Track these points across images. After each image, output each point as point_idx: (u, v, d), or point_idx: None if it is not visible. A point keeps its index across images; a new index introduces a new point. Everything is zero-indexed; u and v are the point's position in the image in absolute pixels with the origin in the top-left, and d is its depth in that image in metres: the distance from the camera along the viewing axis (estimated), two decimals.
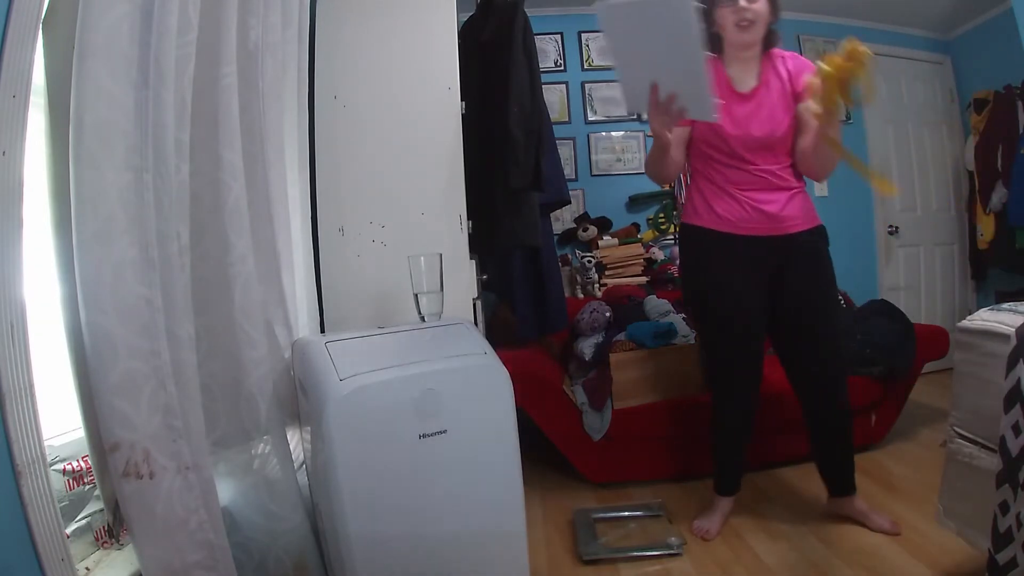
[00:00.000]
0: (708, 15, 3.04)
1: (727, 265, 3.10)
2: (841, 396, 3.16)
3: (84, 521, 2.06)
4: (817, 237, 3.13)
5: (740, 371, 3.23)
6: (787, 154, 3.08)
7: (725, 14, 2.97)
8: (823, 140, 2.84)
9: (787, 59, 3.12)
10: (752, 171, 3.05)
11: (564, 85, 6.10)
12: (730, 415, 3.29)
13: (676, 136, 3.02)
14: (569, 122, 6.09)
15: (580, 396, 4.06)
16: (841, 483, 3.23)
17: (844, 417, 3.17)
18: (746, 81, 3.09)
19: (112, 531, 2.10)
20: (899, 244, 6.48)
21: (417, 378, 2.24)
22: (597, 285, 5.46)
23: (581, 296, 5.50)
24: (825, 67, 2.47)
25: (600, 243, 5.67)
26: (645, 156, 5.93)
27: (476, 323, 3.42)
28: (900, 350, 4.16)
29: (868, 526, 3.11)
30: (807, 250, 3.09)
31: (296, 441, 2.59)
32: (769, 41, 3.09)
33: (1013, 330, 2.05)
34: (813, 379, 3.17)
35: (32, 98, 1.62)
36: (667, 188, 5.96)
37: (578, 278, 5.59)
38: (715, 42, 3.13)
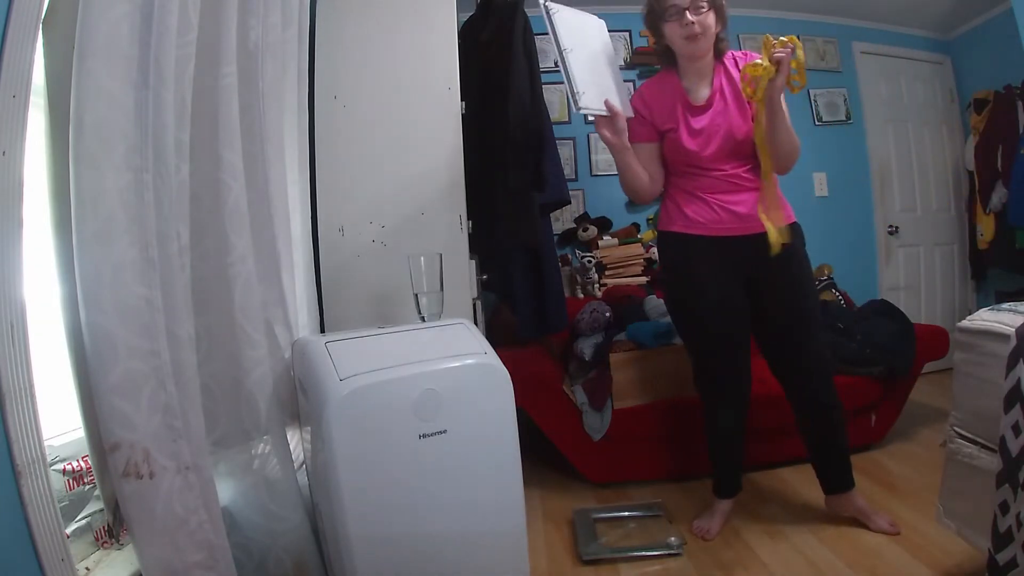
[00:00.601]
0: (657, 29, 3.09)
1: (703, 267, 3.11)
2: (826, 391, 3.16)
3: (84, 521, 2.06)
4: (790, 235, 3.12)
5: (726, 372, 3.24)
6: (752, 155, 3.08)
7: (673, 27, 2.98)
8: (770, 119, 2.93)
9: (739, 59, 3.12)
10: (718, 176, 3.07)
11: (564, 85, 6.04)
12: (721, 417, 3.30)
13: (646, 153, 3.12)
14: (569, 122, 6.08)
15: (580, 396, 4.06)
16: (837, 480, 3.22)
17: (832, 412, 3.17)
18: (701, 91, 3.11)
19: (112, 531, 2.10)
20: (899, 244, 6.47)
21: (417, 378, 2.24)
22: (597, 285, 5.46)
23: (581, 296, 5.50)
24: (750, 72, 2.82)
25: (600, 243, 5.67)
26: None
27: (476, 323, 3.43)
28: (900, 350, 4.16)
29: (868, 525, 3.11)
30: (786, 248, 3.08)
31: (296, 441, 2.59)
32: (719, 49, 3.12)
33: (1013, 330, 2.05)
34: (796, 377, 3.18)
35: (32, 98, 1.63)
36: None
37: (578, 278, 5.59)
38: (668, 55, 3.18)
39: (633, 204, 5.97)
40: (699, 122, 3.06)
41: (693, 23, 2.91)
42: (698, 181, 3.10)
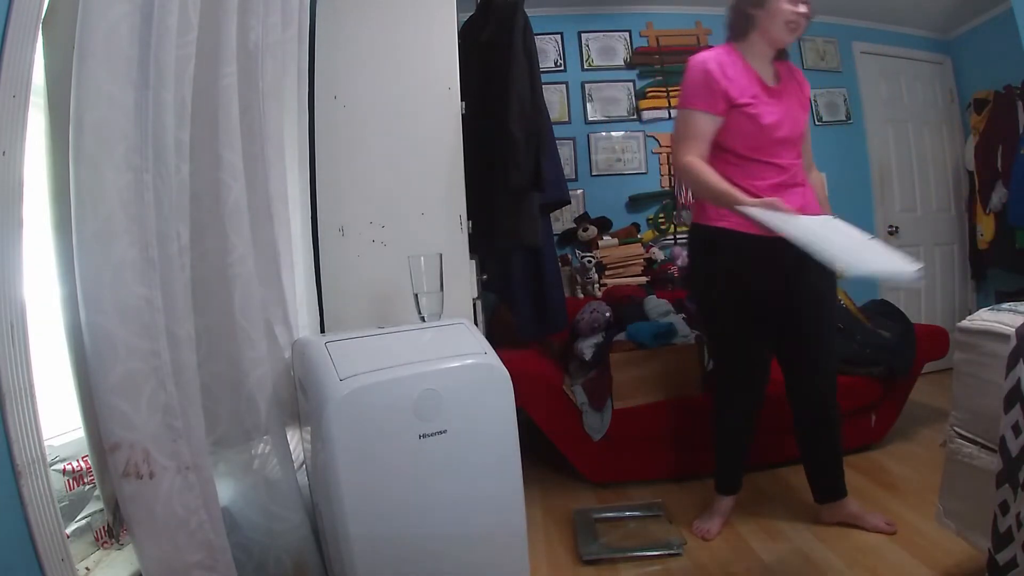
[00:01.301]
0: None
1: (750, 267, 3.02)
2: (832, 393, 3.18)
3: (84, 521, 2.06)
4: None
5: (752, 372, 3.21)
6: (800, 152, 3.07)
7: (782, 7, 2.88)
8: None
9: (792, 68, 3.14)
10: (779, 164, 2.99)
11: (564, 85, 6.10)
12: (736, 415, 3.28)
13: (711, 126, 2.95)
14: (569, 122, 6.09)
15: (580, 396, 4.06)
16: (831, 487, 3.23)
17: (833, 413, 3.18)
18: (767, 78, 3.04)
19: (112, 531, 2.10)
20: (899, 244, 6.41)
21: (417, 378, 2.25)
22: (597, 285, 5.46)
23: (581, 296, 5.50)
24: None
25: (600, 243, 5.68)
26: (645, 156, 6.04)
27: (476, 323, 3.43)
28: (900, 350, 4.17)
29: (864, 527, 3.12)
30: None
31: (296, 441, 2.59)
32: (782, 53, 3.08)
33: (1013, 330, 2.05)
34: (808, 375, 3.17)
35: (32, 98, 1.63)
36: (666, 188, 6.00)
37: (578, 278, 5.58)
38: (742, 27, 3.03)
39: (633, 204, 5.99)
40: (775, 104, 2.98)
41: (805, 14, 2.88)
42: (757, 170, 2.99)
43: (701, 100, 2.92)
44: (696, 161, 2.91)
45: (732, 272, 3.06)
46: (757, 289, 3.04)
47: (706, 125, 2.95)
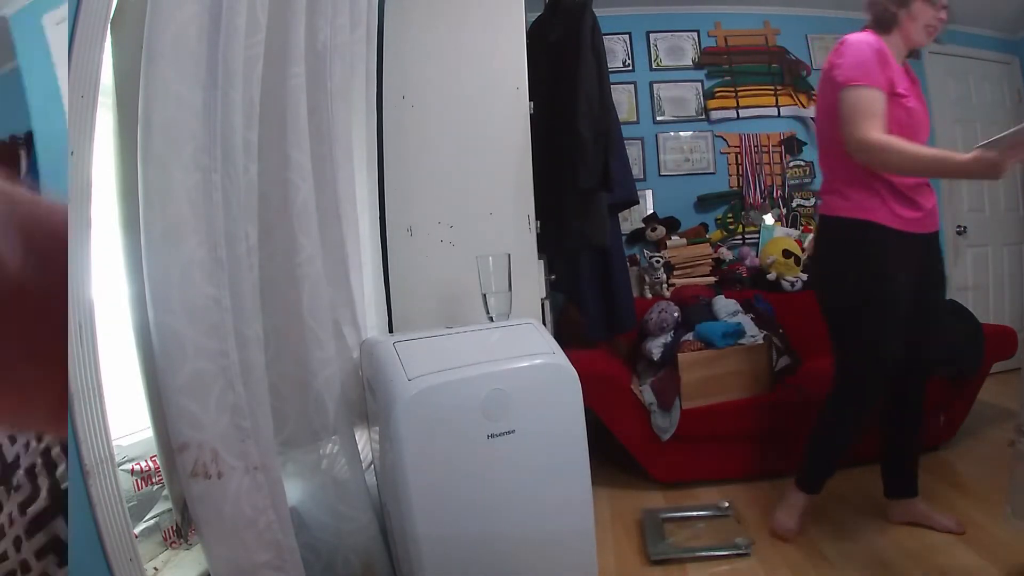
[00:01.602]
0: None
1: (903, 266, 2.92)
2: (924, 395, 3.16)
3: (152, 521, 2.08)
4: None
5: (889, 375, 3.08)
6: None
7: (927, 10, 2.86)
8: None
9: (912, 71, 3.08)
10: None
11: (632, 85, 6.10)
12: (861, 421, 3.17)
13: (883, 108, 2.81)
14: (637, 122, 6.08)
15: (648, 396, 4.06)
16: (907, 484, 3.20)
17: (921, 415, 3.17)
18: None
19: (180, 531, 2.12)
20: (967, 244, 6.39)
21: (485, 378, 2.25)
22: (665, 285, 5.44)
23: (649, 296, 5.48)
24: None
25: (668, 243, 5.67)
26: (713, 156, 6.08)
27: (544, 323, 3.43)
28: (969, 350, 4.11)
29: (933, 527, 3.09)
30: (940, 247, 3.08)
31: (364, 441, 2.60)
32: (913, 53, 3.05)
33: None
34: (918, 372, 3.13)
35: (100, 98, 1.64)
36: (735, 188, 6.00)
37: (646, 278, 5.57)
38: (885, 22, 2.95)
39: (702, 204, 6.00)
40: (917, 102, 2.94)
41: (945, 20, 2.88)
42: None
43: (875, 77, 2.80)
44: (890, 137, 2.76)
45: (882, 269, 2.94)
46: (900, 288, 2.93)
47: (882, 103, 2.81)
